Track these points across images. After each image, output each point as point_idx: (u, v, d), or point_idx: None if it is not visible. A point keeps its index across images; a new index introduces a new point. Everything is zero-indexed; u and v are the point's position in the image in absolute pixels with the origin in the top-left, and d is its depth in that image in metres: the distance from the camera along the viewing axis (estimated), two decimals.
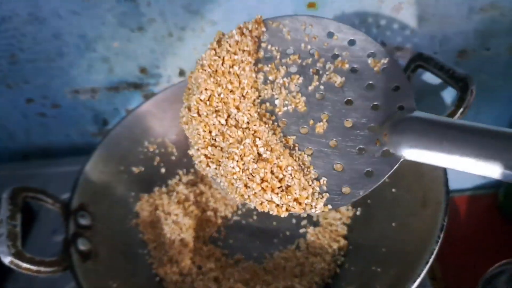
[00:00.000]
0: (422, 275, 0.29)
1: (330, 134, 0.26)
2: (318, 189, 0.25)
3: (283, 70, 0.28)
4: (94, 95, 0.61)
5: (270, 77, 0.28)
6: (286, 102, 0.27)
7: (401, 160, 0.24)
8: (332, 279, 0.39)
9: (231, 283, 0.38)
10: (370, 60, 0.28)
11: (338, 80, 0.28)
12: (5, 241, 0.32)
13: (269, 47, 0.28)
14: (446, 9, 0.48)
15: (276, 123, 0.27)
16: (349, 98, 0.27)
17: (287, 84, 0.28)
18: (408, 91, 0.26)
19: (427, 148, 0.23)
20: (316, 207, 0.24)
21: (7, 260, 0.31)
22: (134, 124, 0.47)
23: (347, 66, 0.28)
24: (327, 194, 0.25)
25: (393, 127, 0.25)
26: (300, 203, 0.24)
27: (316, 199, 0.24)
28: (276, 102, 0.28)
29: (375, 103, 0.27)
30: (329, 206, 0.24)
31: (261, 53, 0.28)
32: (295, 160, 0.25)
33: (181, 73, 0.57)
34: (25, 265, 0.32)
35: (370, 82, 0.27)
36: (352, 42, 0.28)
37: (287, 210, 0.24)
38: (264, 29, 0.28)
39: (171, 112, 0.49)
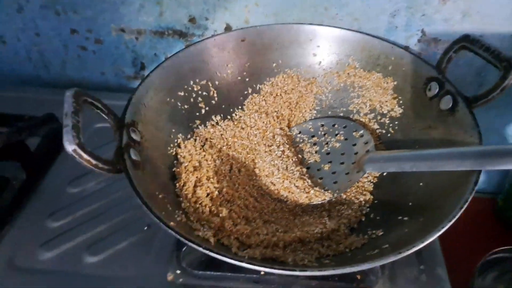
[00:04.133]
0: (455, 218, 0.32)
1: (332, 167, 0.48)
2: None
3: (308, 144, 0.51)
4: (138, 37, 0.63)
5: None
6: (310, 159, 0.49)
7: (365, 173, 0.45)
8: (358, 224, 0.41)
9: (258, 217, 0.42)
10: (354, 133, 0.49)
11: (337, 145, 0.49)
12: (70, 131, 0.34)
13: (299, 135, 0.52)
14: (490, 8, 0.52)
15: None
16: (342, 152, 0.49)
17: (310, 150, 0.50)
18: (370, 142, 0.48)
19: (376, 167, 0.44)
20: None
21: (71, 148, 0.33)
22: (183, 62, 0.49)
23: (342, 137, 0.50)
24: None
25: (362, 160, 0.45)
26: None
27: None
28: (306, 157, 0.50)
29: (355, 151, 0.48)
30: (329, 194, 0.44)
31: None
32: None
33: (227, 28, 0.59)
34: (86, 156, 0.33)
35: (354, 143, 0.49)
36: (345, 126, 0.51)
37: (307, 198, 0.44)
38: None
39: (218, 58, 0.52)
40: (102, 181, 0.52)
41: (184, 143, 0.47)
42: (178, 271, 0.43)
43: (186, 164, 0.44)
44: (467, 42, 0.43)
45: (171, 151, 0.46)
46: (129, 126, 0.40)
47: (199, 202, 0.41)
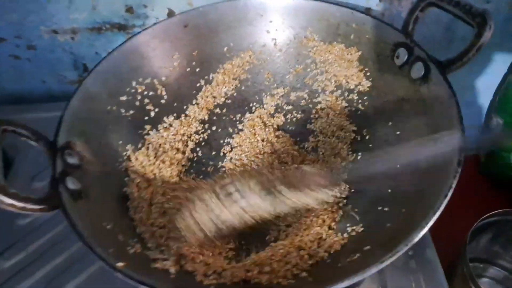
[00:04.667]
0: (440, 210, 0.28)
1: None
2: None
3: None
4: (74, 36, 0.56)
5: None
6: None
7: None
8: (336, 222, 0.37)
9: None
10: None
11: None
12: None
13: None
14: None
15: None
16: None
17: None
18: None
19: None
20: None
21: None
22: (120, 62, 0.43)
23: None
24: None
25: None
26: None
27: None
28: None
29: None
30: None
31: None
32: None
33: (170, 13, 0.53)
34: (8, 200, 0.29)
35: None
36: None
37: None
38: None
39: (160, 51, 0.46)
40: None
41: (134, 155, 0.42)
42: None
43: (138, 181, 0.39)
44: None
45: (120, 166, 0.41)
46: (63, 149, 0.35)
47: (156, 224, 0.36)
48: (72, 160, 0.36)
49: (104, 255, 0.29)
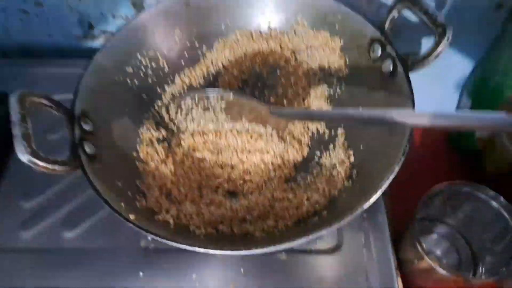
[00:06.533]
0: (383, 187, 0.36)
1: None
2: None
3: None
4: None
5: None
6: None
7: None
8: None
9: None
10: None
11: None
12: (21, 141, 0.35)
13: None
14: None
15: None
16: None
17: None
18: None
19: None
20: None
21: (25, 158, 0.35)
22: (127, 37, 0.48)
23: None
24: None
25: None
26: None
27: None
28: None
29: None
30: None
31: None
32: None
33: None
34: (42, 163, 0.35)
35: None
36: None
37: None
38: None
39: (163, 27, 0.51)
40: None
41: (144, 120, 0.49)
42: (150, 238, 0.48)
43: (147, 143, 0.47)
44: (409, 2, 0.43)
45: (135, 133, 0.47)
46: (80, 118, 0.41)
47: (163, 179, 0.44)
48: (87, 127, 0.42)
49: (118, 209, 0.36)
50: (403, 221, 0.53)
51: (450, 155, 0.71)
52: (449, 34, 0.40)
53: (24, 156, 0.35)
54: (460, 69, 0.64)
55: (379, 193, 0.35)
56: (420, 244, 0.51)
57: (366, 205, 0.35)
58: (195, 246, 0.34)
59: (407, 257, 0.53)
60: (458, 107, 0.69)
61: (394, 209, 0.55)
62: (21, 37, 0.66)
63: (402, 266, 0.54)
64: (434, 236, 0.63)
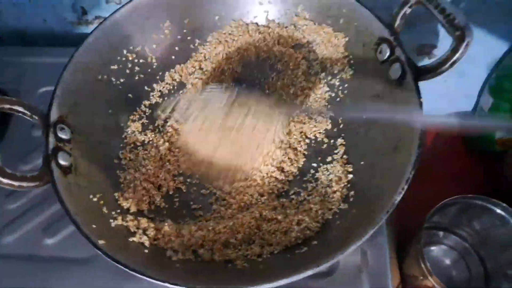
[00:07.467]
0: (380, 223, 0.32)
1: None
2: None
3: None
4: None
5: None
6: None
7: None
8: None
9: None
10: None
11: None
12: None
13: None
14: None
15: None
16: None
17: None
18: None
19: None
20: None
21: None
22: (112, 31, 0.44)
23: None
24: None
25: None
26: None
27: None
28: None
29: None
30: None
31: None
32: None
33: None
34: (6, 181, 0.33)
35: None
36: None
37: None
38: None
39: (152, 19, 0.46)
40: None
41: (127, 123, 0.46)
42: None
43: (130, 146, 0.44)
44: None
45: (118, 138, 0.45)
46: (55, 124, 0.38)
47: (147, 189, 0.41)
48: (63, 134, 0.39)
49: (89, 232, 0.34)
50: (413, 230, 0.49)
51: (465, 158, 0.65)
52: (468, 39, 0.34)
53: None
54: (482, 64, 0.57)
55: (370, 233, 0.31)
56: (424, 262, 0.47)
57: (359, 243, 0.31)
58: (166, 281, 0.31)
59: (411, 273, 0.50)
60: (477, 105, 0.63)
61: (403, 216, 0.50)
62: (15, 22, 0.63)
63: (405, 282, 0.51)
64: (443, 246, 0.59)
